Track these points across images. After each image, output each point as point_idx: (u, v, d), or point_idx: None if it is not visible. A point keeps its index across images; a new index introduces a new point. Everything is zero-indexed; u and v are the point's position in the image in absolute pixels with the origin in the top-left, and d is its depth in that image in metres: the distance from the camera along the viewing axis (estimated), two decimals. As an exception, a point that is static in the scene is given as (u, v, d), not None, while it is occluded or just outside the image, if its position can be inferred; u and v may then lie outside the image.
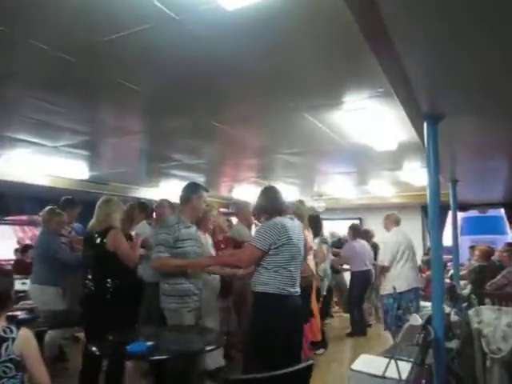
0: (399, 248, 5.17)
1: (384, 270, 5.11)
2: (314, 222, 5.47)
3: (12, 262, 7.54)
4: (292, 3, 2.05)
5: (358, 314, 6.51)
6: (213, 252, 4.11)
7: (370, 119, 3.87)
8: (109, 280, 3.43)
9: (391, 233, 5.34)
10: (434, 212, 2.96)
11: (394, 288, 4.85)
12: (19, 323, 3.51)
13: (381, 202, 9.20)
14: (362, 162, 5.98)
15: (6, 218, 7.58)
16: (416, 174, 6.65)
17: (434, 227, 3.06)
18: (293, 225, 2.98)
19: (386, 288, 5.07)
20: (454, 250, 6.07)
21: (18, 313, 3.56)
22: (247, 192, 8.66)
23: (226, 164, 6.40)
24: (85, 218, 6.21)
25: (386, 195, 8.80)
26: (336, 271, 6.98)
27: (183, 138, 4.65)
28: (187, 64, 2.69)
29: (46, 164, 5.60)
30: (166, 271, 3.22)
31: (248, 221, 5.60)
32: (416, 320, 3.42)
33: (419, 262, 9.10)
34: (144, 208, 5.82)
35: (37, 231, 5.62)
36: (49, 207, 4.65)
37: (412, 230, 9.66)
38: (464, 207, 8.62)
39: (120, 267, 3.46)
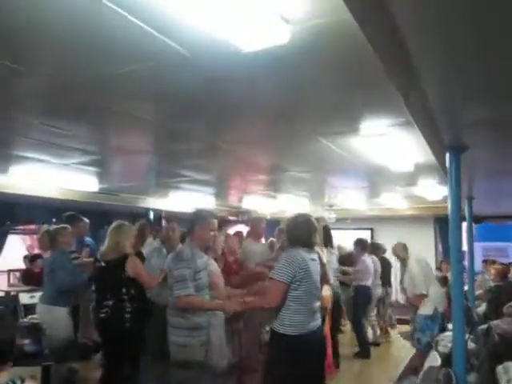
0: (426, 272, 5.03)
1: (423, 297, 4.94)
2: (324, 234, 5.40)
3: (21, 271, 7.58)
4: (311, 43, 1.95)
5: (362, 333, 6.36)
6: (221, 279, 3.98)
7: (388, 144, 3.75)
8: (128, 305, 3.46)
9: (412, 262, 5.12)
10: (455, 240, 2.93)
11: (436, 309, 4.78)
12: (26, 356, 3.50)
13: (393, 213, 9.07)
14: (375, 179, 5.86)
15: (16, 228, 7.57)
16: (431, 189, 6.50)
17: (455, 261, 2.97)
18: (311, 257, 2.90)
19: (424, 309, 4.92)
20: (470, 267, 5.93)
21: (26, 341, 3.53)
22: (257, 202, 8.60)
23: (236, 179, 6.32)
24: (95, 227, 6.23)
25: (398, 207, 8.66)
26: (346, 285, 6.82)
27: (193, 158, 4.57)
28: (199, 96, 2.60)
29: (56, 178, 5.56)
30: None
31: (259, 237, 5.54)
32: (435, 360, 3.32)
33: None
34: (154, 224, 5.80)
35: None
36: (48, 228, 4.61)
37: (424, 241, 9.56)
38: (479, 219, 8.48)
39: (138, 292, 3.54)
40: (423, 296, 4.85)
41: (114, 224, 3.82)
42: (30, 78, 2.40)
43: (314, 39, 1.91)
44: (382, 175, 5.27)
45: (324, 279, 3.58)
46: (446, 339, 4.53)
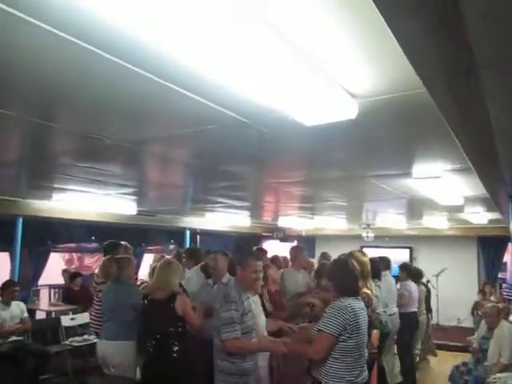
0: None
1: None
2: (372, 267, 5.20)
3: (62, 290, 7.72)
4: (374, 112, 1.83)
5: (410, 361, 6.11)
6: (262, 316, 3.85)
7: (442, 186, 3.57)
8: (175, 343, 3.40)
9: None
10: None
11: None
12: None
13: (433, 233, 8.74)
14: (420, 208, 5.64)
15: (58, 246, 7.75)
16: (477, 215, 6.22)
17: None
18: (360, 307, 2.78)
19: None
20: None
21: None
22: (293, 221, 8.49)
23: (275, 206, 6.22)
24: (133, 245, 6.19)
25: (439, 227, 8.34)
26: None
27: (231, 191, 4.49)
28: (259, 153, 2.53)
29: (96, 204, 5.62)
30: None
31: (302, 266, 5.41)
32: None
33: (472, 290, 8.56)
34: (193, 254, 5.72)
35: (85, 259, 5.66)
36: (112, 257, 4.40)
37: (466, 262, 9.18)
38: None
39: (185, 330, 3.48)
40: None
41: (163, 262, 3.79)
42: (85, 138, 2.39)
43: (380, 112, 1.80)
44: (428, 206, 5.06)
45: (372, 325, 3.42)
46: (499, 381, 4.29)
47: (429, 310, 7.09)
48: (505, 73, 1.19)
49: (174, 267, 3.66)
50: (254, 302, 3.64)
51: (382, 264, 5.69)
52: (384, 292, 4.71)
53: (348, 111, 1.68)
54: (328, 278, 3.01)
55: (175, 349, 3.39)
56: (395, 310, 5.35)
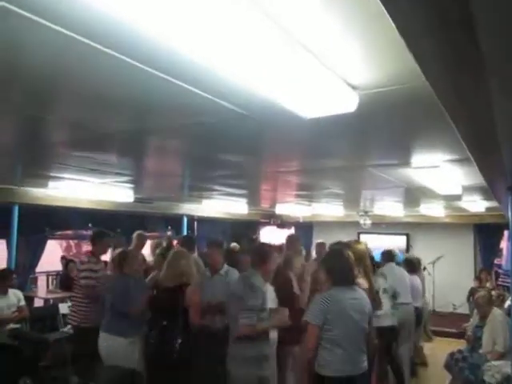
0: None
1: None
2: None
3: (59, 276, 7.76)
4: (373, 105, 1.80)
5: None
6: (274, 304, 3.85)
7: (440, 175, 3.55)
8: (179, 335, 3.42)
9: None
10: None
11: None
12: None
13: (430, 220, 8.76)
14: (418, 196, 5.63)
15: (55, 234, 7.74)
16: (474, 203, 6.23)
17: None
18: (351, 296, 2.75)
19: None
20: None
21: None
22: (290, 208, 8.48)
23: (270, 192, 6.20)
24: (130, 232, 6.15)
25: (436, 215, 8.35)
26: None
27: (229, 179, 4.46)
28: (258, 144, 2.50)
29: (93, 192, 5.58)
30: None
31: (297, 254, 5.42)
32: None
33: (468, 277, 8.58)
34: (187, 242, 5.70)
35: (83, 246, 5.63)
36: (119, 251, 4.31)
37: (463, 249, 9.22)
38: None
39: (188, 323, 3.47)
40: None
41: (174, 253, 3.76)
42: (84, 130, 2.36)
43: (380, 104, 1.77)
44: (426, 194, 5.05)
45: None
46: (494, 369, 4.33)
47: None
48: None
49: (185, 258, 3.62)
50: (268, 291, 3.66)
51: (385, 256, 5.62)
52: (391, 283, 4.61)
53: (348, 103, 1.65)
54: (322, 268, 3.02)
55: (179, 341, 3.40)
56: (409, 299, 5.24)
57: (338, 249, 3.05)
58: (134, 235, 5.45)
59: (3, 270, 5.13)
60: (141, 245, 5.42)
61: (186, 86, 1.64)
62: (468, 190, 4.54)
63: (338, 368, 2.63)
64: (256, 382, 3.02)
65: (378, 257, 5.91)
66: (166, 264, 3.65)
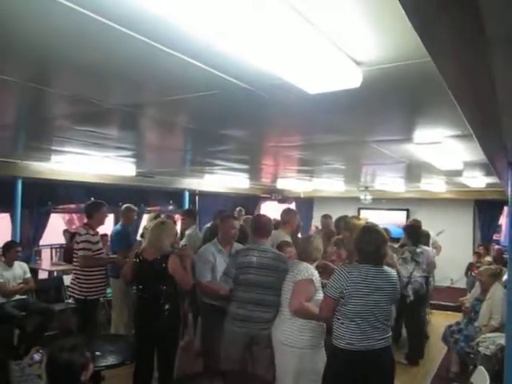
0: None
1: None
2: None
3: (62, 249, 7.86)
4: (377, 81, 1.80)
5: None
6: None
7: (442, 151, 3.56)
8: (166, 302, 3.49)
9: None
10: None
11: None
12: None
13: (430, 196, 8.80)
14: (418, 172, 5.65)
15: (58, 207, 7.79)
16: (475, 179, 6.24)
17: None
18: (376, 274, 2.74)
19: None
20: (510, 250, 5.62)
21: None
22: (291, 183, 8.51)
23: (274, 169, 6.22)
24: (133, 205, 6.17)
25: (437, 190, 8.39)
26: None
27: (231, 154, 4.47)
28: (254, 119, 2.50)
29: (95, 166, 5.60)
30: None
31: (293, 231, 5.41)
32: (483, 378, 3.20)
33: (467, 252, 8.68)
34: (191, 214, 5.79)
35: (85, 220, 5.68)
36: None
37: (462, 224, 9.28)
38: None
39: (175, 290, 3.55)
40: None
41: (156, 222, 3.81)
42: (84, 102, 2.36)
43: (384, 80, 1.77)
44: (427, 170, 5.07)
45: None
46: (489, 341, 4.43)
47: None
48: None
49: (168, 227, 3.66)
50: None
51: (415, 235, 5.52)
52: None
53: (352, 79, 1.65)
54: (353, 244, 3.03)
55: (166, 307, 3.47)
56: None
57: (370, 226, 2.97)
58: (123, 208, 5.53)
59: (8, 243, 5.21)
60: (127, 218, 5.48)
61: (188, 59, 1.63)
62: (469, 165, 4.56)
63: (350, 341, 2.69)
64: (247, 339, 3.26)
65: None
66: (147, 235, 3.74)
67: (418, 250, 5.22)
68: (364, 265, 2.76)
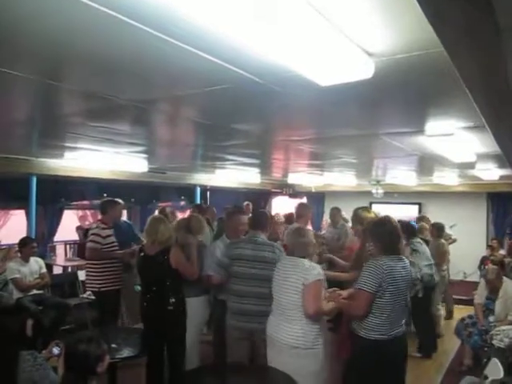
0: None
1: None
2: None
3: (76, 245, 7.96)
4: (389, 72, 1.80)
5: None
6: None
7: (454, 143, 3.54)
8: (171, 295, 3.50)
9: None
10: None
11: None
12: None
13: (443, 189, 8.72)
14: (431, 165, 5.61)
15: (71, 204, 7.88)
16: (488, 171, 6.18)
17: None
18: (400, 265, 2.81)
19: None
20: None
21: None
22: (302, 177, 8.51)
23: (282, 162, 6.22)
24: (144, 202, 6.22)
25: (449, 184, 8.31)
26: None
27: (242, 149, 4.48)
28: (266, 112, 2.51)
29: (108, 161, 5.65)
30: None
31: (307, 224, 5.46)
32: (497, 370, 3.20)
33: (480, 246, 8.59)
34: (202, 209, 5.82)
35: (98, 216, 5.76)
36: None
37: (475, 218, 9.19)
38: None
39: (179, 282, 3.57)
40: None
41: (152, 217, 3.86)
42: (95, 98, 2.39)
43: (396, 72, 1.77)
44: (440, 162, 5.03)
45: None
46: (503, 333, 4.39)
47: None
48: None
49: (164, 221, 3.70)
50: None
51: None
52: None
53: (364, 70, 1.65)
54: (371, 238, 3.04)
55: (171, 301, 3.51)
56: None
57: (385, 217, 3.01)
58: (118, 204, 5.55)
59: (24, 239, 5.30)
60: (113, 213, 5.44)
61: (201, 53, 1.65)
62: (482, 157, 4.51)
63: (382, 332, 2.76)
64: (248, 333, 3.30)
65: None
66: (145, 232, 3.74)
67: (415, 241, 5.15)
68: (390, 256, 2.80)
